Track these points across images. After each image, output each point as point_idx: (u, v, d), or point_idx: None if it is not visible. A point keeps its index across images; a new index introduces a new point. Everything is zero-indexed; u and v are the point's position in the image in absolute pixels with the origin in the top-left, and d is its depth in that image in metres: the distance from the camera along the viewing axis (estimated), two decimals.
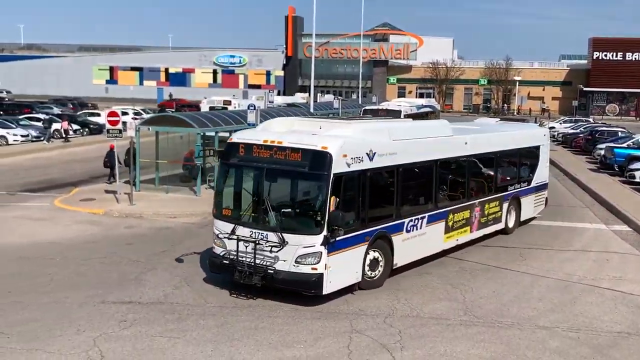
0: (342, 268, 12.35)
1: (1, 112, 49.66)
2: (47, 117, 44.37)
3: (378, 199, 13.66)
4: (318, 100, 52.85)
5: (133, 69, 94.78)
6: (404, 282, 14.03)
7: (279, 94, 68.88)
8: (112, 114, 21.72)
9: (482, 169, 17.79)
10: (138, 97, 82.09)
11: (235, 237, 12.41)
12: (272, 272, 12.04)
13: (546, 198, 21.15)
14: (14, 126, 39.49)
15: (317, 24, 42.08)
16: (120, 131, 21.47)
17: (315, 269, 11.90)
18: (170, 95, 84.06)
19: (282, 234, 11.98)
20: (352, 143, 12.63)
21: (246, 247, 12.29)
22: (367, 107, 40.78)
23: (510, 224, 18.92)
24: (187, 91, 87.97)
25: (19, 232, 17.73)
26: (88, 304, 11.94)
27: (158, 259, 15.19)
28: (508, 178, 18.94)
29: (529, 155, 20.07)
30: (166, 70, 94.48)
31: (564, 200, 25.18)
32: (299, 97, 60.91)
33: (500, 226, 18.32)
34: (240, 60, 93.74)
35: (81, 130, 43.86)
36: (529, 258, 16.32)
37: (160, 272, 14.18)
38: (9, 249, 15.88)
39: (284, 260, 11.99)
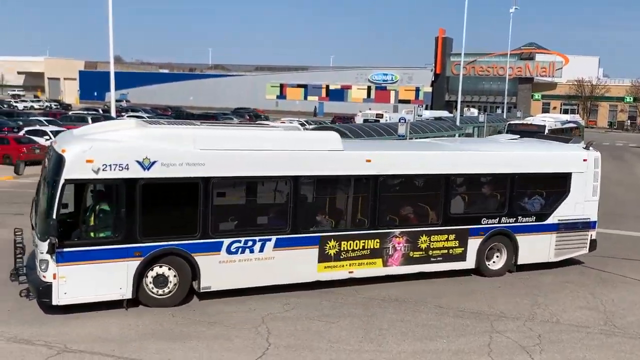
0: (89, 280, 10.36)
1: None
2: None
3: (164, 213, 11.02)
4: (464, 114, 51.59)
5: (299, 85, 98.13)
6: (544, 288, 13.30)
7: (426, 108, 68.19)
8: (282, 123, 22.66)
9: (410, 192, 13.48)
10: (302, 110, 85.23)
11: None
12: (25, 275, 10.80)
13: (591, 241, 14.84)
14: None
15: (465, 44, 41.13)
16: None
17: (45, 277, 10.25)
18: (315, 108, 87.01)
19: (36, 238, 10.64)
20: (109, 148, 10.42)
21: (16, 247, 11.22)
22: (511, 122, 39.18)
23: (495, 265, 13.96)
24: (343, 105, 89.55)
25: None
26: (259, 290, 12.28)
27: None
28: (481, 208, 13.95)
29: (544, 184, 14.48)
30: (327, 87, 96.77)
31: None
32: (446, 112, 60.01)
33: (463, 265, 13.56)
34: (392, 78, 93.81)
35: None
36: None
37: None
38: None
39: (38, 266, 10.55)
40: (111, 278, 10.56)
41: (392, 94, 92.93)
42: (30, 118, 43.35)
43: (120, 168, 10.40)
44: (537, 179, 14.41)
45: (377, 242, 12.61)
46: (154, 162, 10.60)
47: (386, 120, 49.14)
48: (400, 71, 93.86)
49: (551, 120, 38.17)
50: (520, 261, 14.17)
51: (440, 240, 13.29)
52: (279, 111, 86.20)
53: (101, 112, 54.95)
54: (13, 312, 10.58)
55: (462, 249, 13.51)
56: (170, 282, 11.08)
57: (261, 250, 11.64)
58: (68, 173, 10.08)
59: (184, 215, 11.19)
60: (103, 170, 10.28)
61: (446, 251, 13.36)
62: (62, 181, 10.05)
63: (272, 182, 12.14)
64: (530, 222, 14.21)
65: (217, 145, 11.23)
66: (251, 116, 66.51)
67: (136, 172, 10.48)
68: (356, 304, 11.76)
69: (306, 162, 11.90)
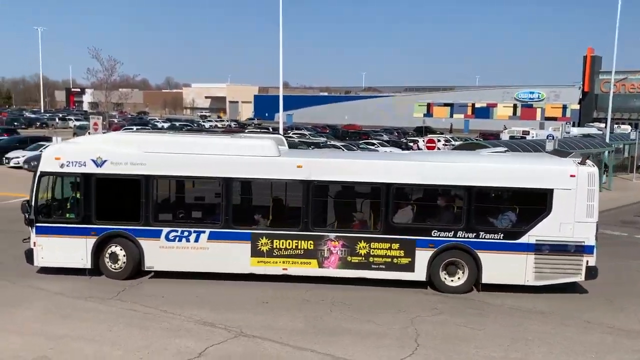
0: (57, 250, 12.36)
1: (347, 138, 54.80)
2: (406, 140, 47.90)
3: (114, 202, 12.46)
4: (614, 132, 47.19)
5: (445, 104, 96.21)
6: None
7: (573, 125, 63.49)
8: (430, 140, 22.38)
9: (346, 198, 12.80)
10: (447, 127, 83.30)
11: None
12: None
13: (588, 267, 11.99)
14: (354, 149, 43.23)
15: (615, 62, 37.68)
16: None
17: (30, 244, 12.55)
18: (451, 125, 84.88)
19: None
20: (72, 149, 12.52)
21: None
22: None
23: (457, 282, 12.29)
24: (488, 122, 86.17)
25: None
26: (410, 291, 12.34)
27: None
28: (430, 219, 12.48)
29: (514, 199, 12.46)
30: (472, 105, 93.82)
31: None
32: (594, 129, 55.43)
33: (411, 276, 12.25)
34: (538, 96, 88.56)
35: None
36: None
37: None
38: None
39: None
40: (74, 250, 12.43)
41: (539, 111, 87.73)
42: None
43: (79, 165, 12.34)
44: (503, 193, 12.53)
45: (310, 243, 12.27)
46: (105, 161, 12.31)
47: (532, 137, 46.47)
48: (546, 89, 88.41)
49: None
50: (486, 280, 12.18)
51: (382, 249, 12.25)
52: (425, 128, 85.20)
53: (270, 129, 58.08)
54: (202, 298, 11.54)
55: (409, 259, 12.23)
56: (120, 259, 12.52)
57: (196, 240, 12.36)
58: (42, 167, 12.41)
59: (130, 205, 12.38)
60: (67, 165, 12.34)
61: (390, 260, 12.24)
62: (38, 173, 12.40)
63: (207, 182, 12.66)
64: (497, 239, 12.14)
65: (158, 149, 12.41)
66: (399, 133, 66.39)
67: (91, 168, 12.33)
68: (502, 313, 11.22)
69: (237, 166, 12.28)
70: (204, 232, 12.38)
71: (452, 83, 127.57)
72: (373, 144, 47.10)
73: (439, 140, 39.52)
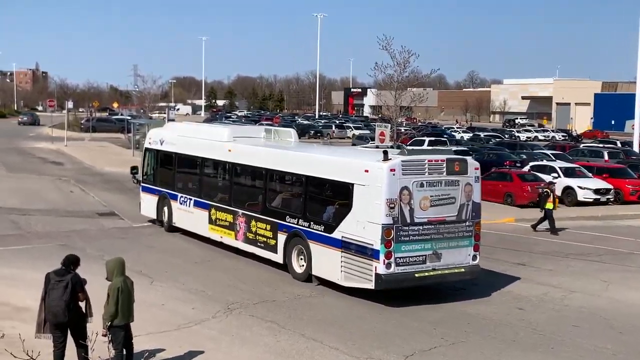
0: (147, 204, 18.37)
1: None
2: None
3: (164, 171, 17.96)
4: None
5: None
6: None
7: None
8: None
9: (245, 180, 15.40)
10: None
11: None
12: None
13: (377, 275, 10.99)
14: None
15: None
16: None
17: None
18: None
19: None
20: (155, 133, 18.75)
21: None
22: None
23: (298, 268, 12.75)
24: None
25: None
26: None
27: None
28: (285, 205, 13.59)
29: (328, 192, 12.68)
30: None
31: None
32: None
33: (275, 257, 13.41)
34: None
35: None
36: None
37: None
38: None
39: None
40: (151, 204, 18.09)
41: None
42: (535, 151, 34.92)
43: (156, 143, 18.20)
44: (320, 185, 12.95)
45: (231, 217, 14.80)
46: (163, 141, 17.88)
47: None
48: None
49: None
50: (313, 271, 12.45)
51: (262, 229, 13.82)
52: None
53: (619, 144, 41.73)
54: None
55: (275, 241, 13.52)
56: (166, 215, 17.46)
57: (189, 206, 16.41)
58: (146, 145, 19.04)
59: (169, 174, 17.77)
60: (152, 143, 18.42)
61: (265, 240, 13.74)
62: (144, 148, 19.19)
63: (193, 158, 16.63)
64: (320, 230, 12.34)
65: (182, 133, 17.70)
66: None
67: (158, 146, 18.04)
68: None
69: (208, 148, 15.97)
70: (192, 199, 16.26)
71: None
72: None
73: None
